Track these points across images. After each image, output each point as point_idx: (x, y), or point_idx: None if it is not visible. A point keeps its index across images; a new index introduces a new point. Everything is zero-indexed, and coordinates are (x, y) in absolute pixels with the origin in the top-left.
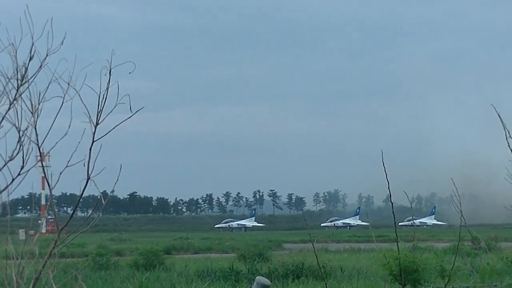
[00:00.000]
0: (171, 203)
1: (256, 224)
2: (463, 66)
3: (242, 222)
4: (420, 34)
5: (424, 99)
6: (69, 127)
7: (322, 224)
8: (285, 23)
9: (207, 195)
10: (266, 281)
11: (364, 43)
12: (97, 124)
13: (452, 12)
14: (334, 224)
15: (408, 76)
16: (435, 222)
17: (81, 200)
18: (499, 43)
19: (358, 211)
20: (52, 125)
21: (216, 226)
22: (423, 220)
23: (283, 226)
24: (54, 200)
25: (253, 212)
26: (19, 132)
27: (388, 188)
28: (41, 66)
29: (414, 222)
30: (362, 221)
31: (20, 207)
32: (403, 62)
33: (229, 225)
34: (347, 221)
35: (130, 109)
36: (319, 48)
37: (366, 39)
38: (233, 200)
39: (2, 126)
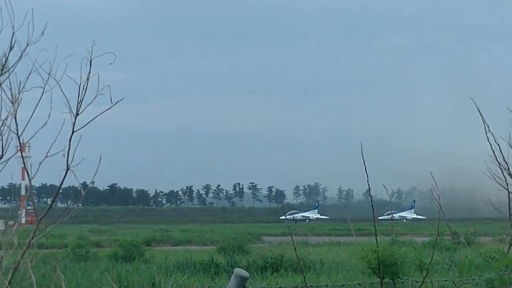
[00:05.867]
0: (151, 195)
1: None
2: (441, 60)
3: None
4: (398, 28)
5: (403, 93)
6: (49, 117)
7: (281, 217)
8: (263, 15)
9: (187, 187)
10: (244, 273)
11: (343, 37)
12: (77, 114)
13: (428, 7)
14: (293, 217)
15: (387, 69)
16: (414, 216)
17: (60, 190)
18: (476, 38)
19: (317, 204)
20: (32, 115)
21: None
22: (403, 214)
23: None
24: (33, 190)
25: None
26: None
27: (367, 181)
28: (21, 56)
29: (393, 216)
30: (320, 215)
31: (0, 198)
32: (381, 55)
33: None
34: (305, 214)
35: (111, 100)
36: (297, 41)
37: (345, 33)
38: (213, 193)
39: None
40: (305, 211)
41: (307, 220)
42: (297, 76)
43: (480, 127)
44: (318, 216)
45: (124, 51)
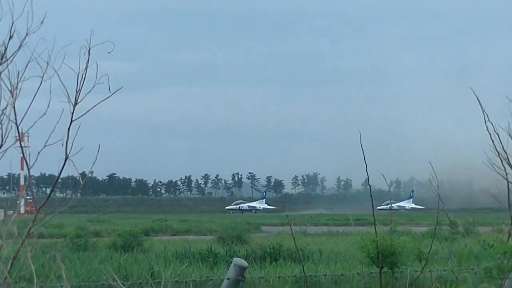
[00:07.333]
0: (150, 185)
1: None
2: (440, 49)
3: None
4: (395, 17)
5: (401, 82)
6: (48, 107)
7: (226, 207)
8: (260, 7)
9: (186, 177)
10: (243, 262)
11: (340, 28)
12: (75, 103)
13: None
14: (239, 208)
15: (386, 59)
16: (413, 206)
17: (59, 180)
18: (474, 26)
19: (264, 194)
20: (30, 104)
21: None
22: (401, 204)
23: None
24: (32, 180)
25: None
26: None
27: (366, 171)
28: (20, 45)
29: (392, 206)
30: (268, 205)
31: None
32: (379, 46)
33: None
34: (252, 204)
35: (109, 89)
36: (294, 32)
37: (342, 22)
38: (212, 182)
39: None
40: (252, 201)
41: (253, 211)
42: (296, 66)
43: (479, 117)
44: (266, 206)
45: (125, 41)
